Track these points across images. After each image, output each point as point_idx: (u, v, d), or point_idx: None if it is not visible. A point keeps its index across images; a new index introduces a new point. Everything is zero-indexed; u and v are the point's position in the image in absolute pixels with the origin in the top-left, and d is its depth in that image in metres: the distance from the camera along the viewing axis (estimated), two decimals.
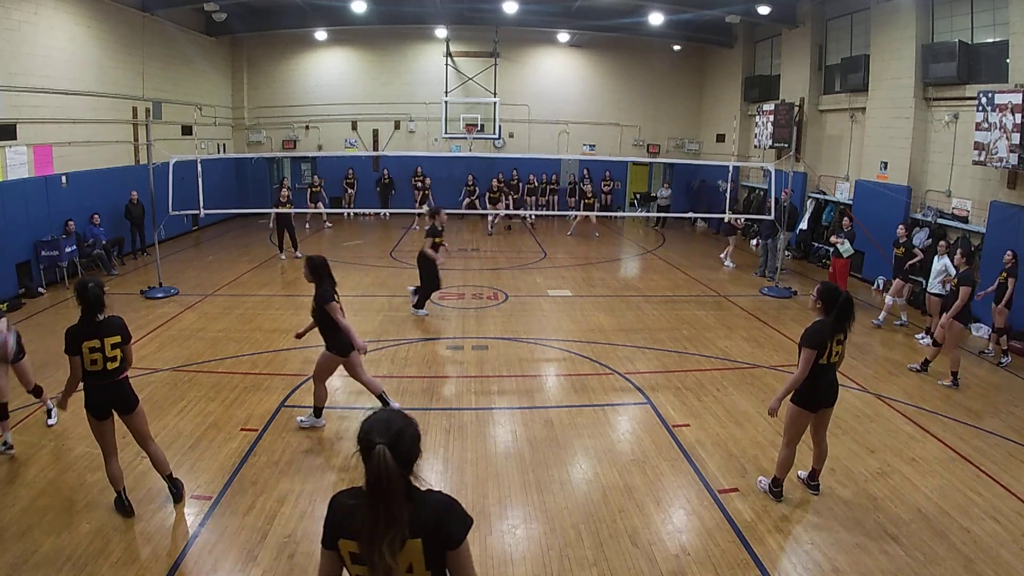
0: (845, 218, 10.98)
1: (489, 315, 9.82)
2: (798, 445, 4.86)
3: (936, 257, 8.88)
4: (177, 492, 4.74)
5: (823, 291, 4.69)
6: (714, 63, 20.27)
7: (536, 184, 19.54)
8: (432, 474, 5.27)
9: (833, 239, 10.61)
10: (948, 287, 8.49)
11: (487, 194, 18.08)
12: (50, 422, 6.01)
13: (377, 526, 1.94)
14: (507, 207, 18.01)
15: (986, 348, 8.82)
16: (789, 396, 4.70)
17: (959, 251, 7.74)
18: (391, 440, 1.94)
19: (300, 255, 13.38)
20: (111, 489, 4.71)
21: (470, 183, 18.99)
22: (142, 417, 4.62)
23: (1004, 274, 8.17)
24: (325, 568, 2.17)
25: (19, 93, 10.67)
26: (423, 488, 2.05)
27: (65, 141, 11.77)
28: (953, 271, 8.41)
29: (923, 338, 9.12)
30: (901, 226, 9.94)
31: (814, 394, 4.65)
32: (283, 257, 13.75)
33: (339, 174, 19.26)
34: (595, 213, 17.40)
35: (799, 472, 5.20)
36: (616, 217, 20.53)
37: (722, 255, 14.03)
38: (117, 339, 4.41)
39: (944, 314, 7.64)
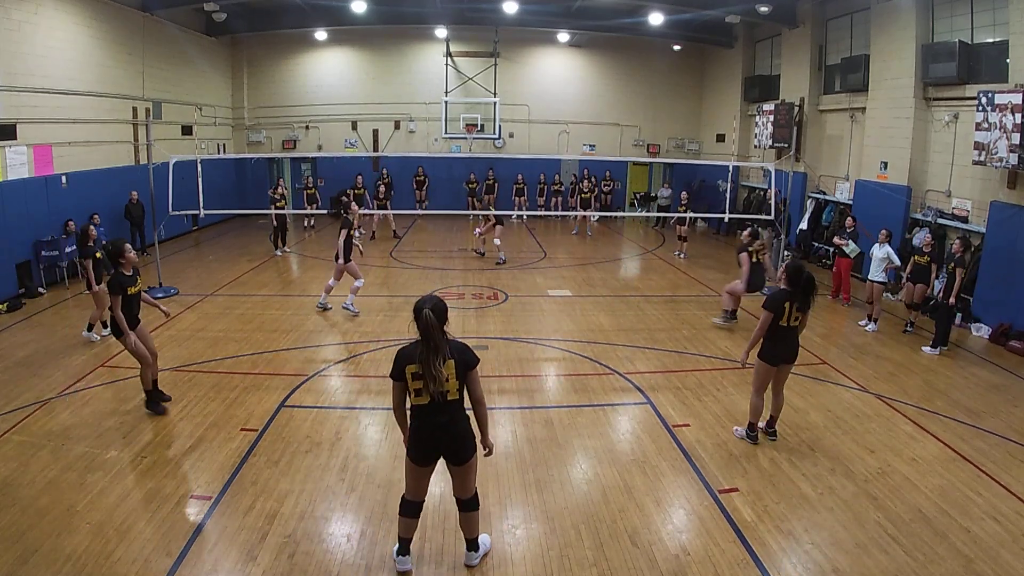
0: (848, 218, 10.98)
1: (489, 315, 9.82)
2: (765, 396, 5.76)
3: (877, 245, 9.62)
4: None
5: (790, 268, 5.56)
6: (714, 63, 20.27)
7: (524, 184, 19.25)
8: (432, 474, 5.25)
9: (837, 240, 10.62)
10: (890, 273, 9.79)
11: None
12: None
13: (428, 352, 3.58)
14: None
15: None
16: (757, 351, 5.66)
17: (957, 240, 8.50)
18: (431, 307, 3.61)
19: (280, 253, 14.33)
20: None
21: (481, 178, 19.05)
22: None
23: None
24: (397, 394, 3.78)
25: (19, 93, 10.66)
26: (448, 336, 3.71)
27: (65, 141, 11.77)
28: (897, 260, 9.48)
29: (866, 324, 9.58)
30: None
31: (774, 352, 5.60)
32: (278, 254, 14.26)
33: (339, 173, 18.91)
34: (591, 212, 17.38)
35: (760, 424, 5.86)
36: (616, 217, 20.54)
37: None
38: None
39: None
